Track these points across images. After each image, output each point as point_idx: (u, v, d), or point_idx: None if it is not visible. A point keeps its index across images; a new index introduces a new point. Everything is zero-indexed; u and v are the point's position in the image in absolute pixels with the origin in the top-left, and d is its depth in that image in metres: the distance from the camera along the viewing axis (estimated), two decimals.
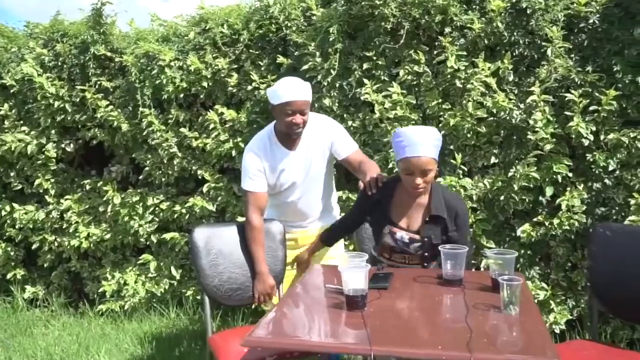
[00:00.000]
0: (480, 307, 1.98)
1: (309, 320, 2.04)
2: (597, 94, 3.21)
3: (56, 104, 4.25)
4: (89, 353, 3.69)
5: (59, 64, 4.28)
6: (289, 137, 2.83)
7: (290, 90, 2.70)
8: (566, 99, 3.24)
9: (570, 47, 3.28)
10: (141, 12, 3.94)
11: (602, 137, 3.26)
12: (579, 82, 3.25)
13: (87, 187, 4.42)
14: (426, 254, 2.51)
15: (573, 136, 3.23)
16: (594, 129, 3.24)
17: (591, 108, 3.23)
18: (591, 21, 3.26)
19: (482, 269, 3.35)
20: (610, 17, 3.24)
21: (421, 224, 2.50)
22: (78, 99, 4.24)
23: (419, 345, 1.77)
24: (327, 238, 2.89)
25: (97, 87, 4.18)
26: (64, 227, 4.47)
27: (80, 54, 4.21)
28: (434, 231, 2.47)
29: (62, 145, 4.43)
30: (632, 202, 3.22)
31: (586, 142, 3.23)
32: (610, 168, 3.25)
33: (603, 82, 3.22)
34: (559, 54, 3.25)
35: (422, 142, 2.32)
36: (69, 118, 4.32)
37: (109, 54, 4.14)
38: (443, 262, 2.28)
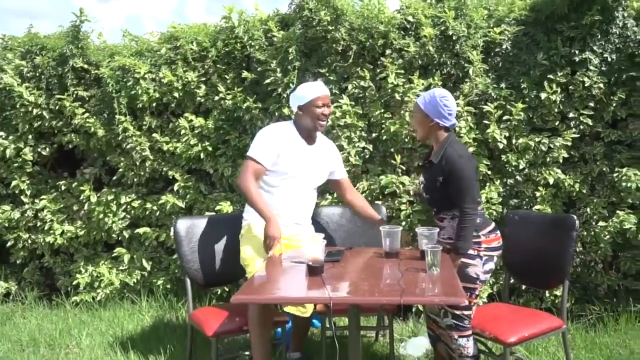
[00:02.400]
0: (411, 271, 2.56)
1: (282, 283, 2.56)
2: (509, 107, 3.93)
3: (34, 111, 4.62)
4: (71, 336, 4.07)
5: (37, 74, 4.65)
6: (310, 133, 3.13)
7: (316, 87, 3.08)
8: (484, 110, 3.94)
9: (488, 68, 4.00)
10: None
11: (513, 141, 3.97)
12: (494, 97, 3.96)
13: (62, 187, 4.78)
14: (427, 196, 2.96)
15: (490, 141, 3.92)
16: (507, 134, 3.95)
17: (504, 118, 3.94)
18: (504, 47, 3.99)
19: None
20: (519, 44, 3.97)
21: (424, 168, 3.01)
22: (56, 107, 4.62)
23: (363, 295, 2.37)
24: None
25: (74, 96, 4.58)
26: (38, 225, 4.80)
27: (58, 65, 4.59)
28: (429, 174, 2.92)
29: (39, 150, 4.78)
30: (538, 194, 3.95)
31: (501, 146, 3.93)
32: (521, 167, 3.96)
33: (513, 97, 3.94)
34: (479, 74, 3.95)
35: None
36: (45, 124, 4.69)
37: (86, 66, 4.54)
38: (383, 239, 2.85)
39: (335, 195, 4.12)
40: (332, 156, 3.30)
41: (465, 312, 2.83)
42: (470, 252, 2.82)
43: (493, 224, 2.95)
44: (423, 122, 2.89)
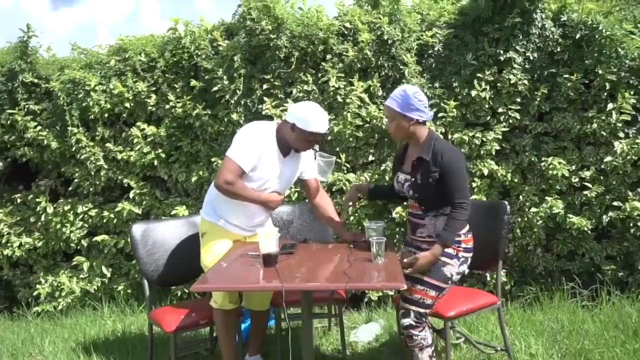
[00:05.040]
0: (359, 260, 2.77)
1: (238, 274, 2.70)
2: (443, 104, 4.20)
3: None
4: (34, 344, 4.16)
5: None
6: (288, 147, 3.08)
7: (321, 124, 2.94)
8: None
9: (422, 69, 4.26)
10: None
11: (449, 136, 4.24)
12: (429, 96, 4.21)
13: (18, 200, 4.85)
14: (416, 194, 2.80)
15: None
16: (443, 130, 4.22)
17: (440, 115, 4.21)
18: (436, 49, 4.26)
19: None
20: (450, 46, 4.25)
21: (412, 166, 2.83)
22: (7, 122, 4.69)
23: (313, 282, 2.57)
24: (374, 193, 3.21)
25: (25, 110, 4.66)
26: None
27: (7, 81, 4.67)
28: (420, 172, 2.76)
29: None
30: (475, 185, 4.23)
31: None
32: None
33: (447, 95, 4.21)
34: (414, 75, 4.21)
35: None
36: None
37: (36, 80, 4.63)
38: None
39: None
40: (303, 161, 3.24)
41: (427, 311, 2.83)
42: (450, 251, 2.80)
43: (468, 225, 2.89)
44: (402, 124, 2.78)
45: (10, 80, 4.67)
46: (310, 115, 2.94)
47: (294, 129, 2.96)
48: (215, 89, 4.30)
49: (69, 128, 4.55)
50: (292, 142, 3.04)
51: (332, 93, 4.23)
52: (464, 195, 2.73)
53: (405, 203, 4.12)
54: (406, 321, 2.81)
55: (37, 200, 4.75)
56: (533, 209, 4.21)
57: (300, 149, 3.08)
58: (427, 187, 2.75)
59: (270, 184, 3.09)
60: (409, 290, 2.77)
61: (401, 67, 4.21)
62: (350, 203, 3.21)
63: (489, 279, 4.34)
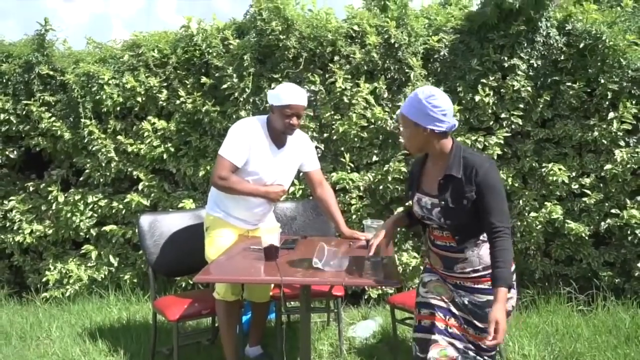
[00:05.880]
0: (357, 258, 2.85)
1: (240, 266, 2.79)
2: None
3: (1, 116, 4.83)
4: (42, 329, 4.29)
5: (4, 81, 4.84)
6: (280, 136, 3.14)
7: (292, 94, 2.99)
8: None
9: (427, 73, 4.35)
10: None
11: None
12: None
13: (31, 188, 4.98)
14: (448, 221, 2.24)
15: None
16: None
17: None
18: (442, 53, 4.34)
19: None
20: (456, 51, 4.33)
21: (438, 186, 2.28)
22: (23, 112, 4.83)
23: (312, 277, 2.66)
24: (410, 225, 2.67)
25: (40, 101, 4.79)
26: (7, 225, 4.99)
27: (24, 72, 4.80)
28: (449, 193, 2.22)
29: (7, 153, 4.98)
30: None
31: None
32: None
33: (451, 100, 4.26)
34: (419, 78, 4.30)
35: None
36: (13, 128, 4.89)
37: (51, 72, 4.76)
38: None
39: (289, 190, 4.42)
40: (301, 153, 3.30)
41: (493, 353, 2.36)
42: None
43: None
44: (415, 134, 2.26)
45: (27, 71, 4.80)
46: (279, 90, 3.05)
47: (273, 110, 3.06)
48: (224, 86, 4.41)
49: (82, 120, 4.68)
50: (276, 124, 3.09)
51: (338, 94, 4.33)
52: (504, 218, 2.17)
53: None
54: None
55: (49, 189, 4.88)
56: (533, 214, 4.29)
57: (285, 129, 3.08)
58: (461, 211, 2.21)
59: (267, 177, 3.16)
60: (476, 338, 2.32)
61: (407, 70, 4.29)
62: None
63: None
